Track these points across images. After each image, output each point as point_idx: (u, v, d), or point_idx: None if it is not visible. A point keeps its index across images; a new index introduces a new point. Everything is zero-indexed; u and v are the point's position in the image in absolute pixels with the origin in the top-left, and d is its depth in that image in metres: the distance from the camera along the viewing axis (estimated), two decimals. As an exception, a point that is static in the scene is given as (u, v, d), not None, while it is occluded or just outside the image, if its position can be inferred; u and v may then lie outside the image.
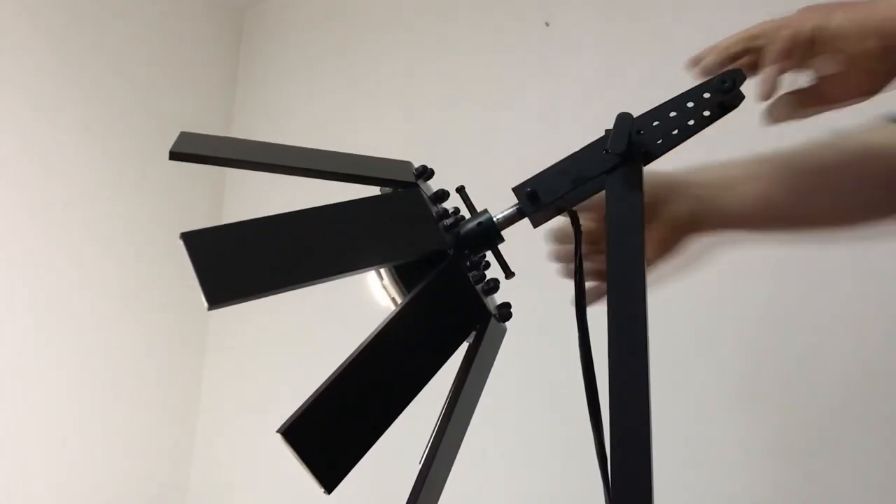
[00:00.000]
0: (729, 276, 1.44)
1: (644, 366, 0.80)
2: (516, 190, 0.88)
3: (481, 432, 1.02)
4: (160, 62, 2.25)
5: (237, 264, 0.70)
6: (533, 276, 1.10)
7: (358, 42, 2.06)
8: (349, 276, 0.76)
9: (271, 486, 1.84)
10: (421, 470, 0.81)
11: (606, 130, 0.88)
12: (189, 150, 0.79)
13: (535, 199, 0.88)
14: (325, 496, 1.06)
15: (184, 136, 0.81)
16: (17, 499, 1.72)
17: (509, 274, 0.88)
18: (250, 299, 0.71)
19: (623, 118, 0.86)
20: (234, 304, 0.70)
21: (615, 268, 0.83)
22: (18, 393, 1.79)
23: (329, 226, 0.76)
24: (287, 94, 2.21)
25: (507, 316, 0.88)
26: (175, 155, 0.79)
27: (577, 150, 0.89)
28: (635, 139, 0.85)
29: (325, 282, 0.74)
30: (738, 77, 0.86)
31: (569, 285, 0.90)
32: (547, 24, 1.59)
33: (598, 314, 0.84)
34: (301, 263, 0.73)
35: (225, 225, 0.73)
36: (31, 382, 1.81)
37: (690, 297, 1.46)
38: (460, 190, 0.92)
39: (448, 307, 0.80)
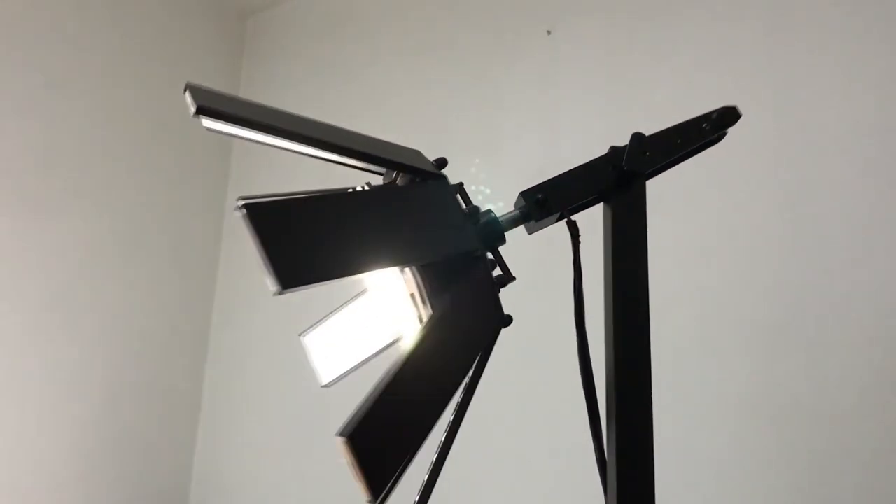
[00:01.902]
0: (732, 280, 1.46)
1: (647, 371, 0.82)
2: (526, 195, 0.87)
3: (484, 436, 0.99)
4: (163, 70, 2.23)
5: (304, 245, 0.63)
6: (532, 280, 1.08)
7: (360, 50, 2.02)
8: (403, 267, 0.71)
9: (272, 488, 1.69)
10: (430, 474, 0.77)
11: (612, 147, 0.90)
12: (215, 106, 0.69)
13: (544, 207, 0.87)
14: (325, 497, 0.98)
15: (201, 92, 0.71)
16: (17, 498, 1.72)
17: (509, 277, 0.87)
18: (317, 285, 0.63)
19: (639, 138, 0.88)
20: (302, 289, 0.62)
21: (619, 281, 0.85)
22: (20, 393, 1.77)
23: (384, 215, 0.70)
24: (290, 101, 2.09)
25: (510, 320, 0.87)
26: (202, 110, 0.68)
27: (584, 162, 0.90)
28: (645, 159, 0.88)
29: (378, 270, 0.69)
30: (729, 112, 0.92)
31: (565, 290, 0.91)
32: (549, 33, 1.58)
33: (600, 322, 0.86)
34: (364, 252, 0.66)
35: (286, 199, 0.65)
36: (33, 383, 1.80)
37: (694, 301, 1.48)
38: (459, 187, 0.89)
39: (483, 308, 0.78)
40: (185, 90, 0.74)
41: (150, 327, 2.07)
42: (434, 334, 0.71)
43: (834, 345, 1.34)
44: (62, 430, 1.84)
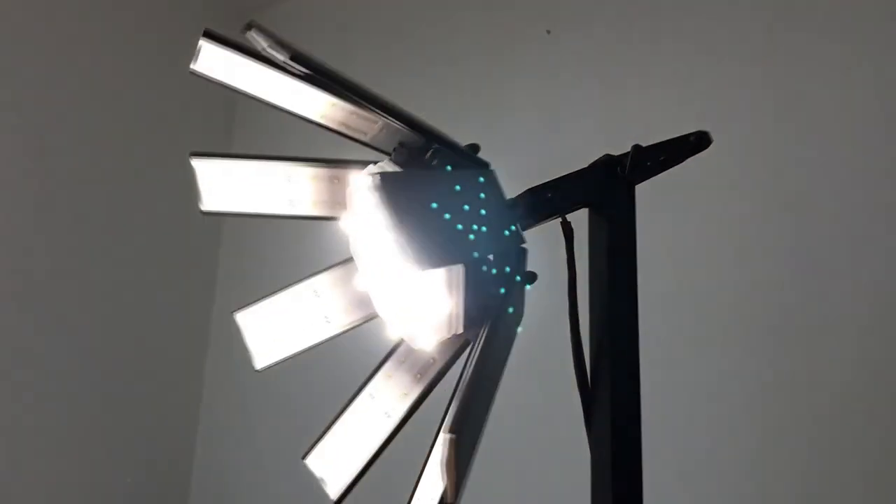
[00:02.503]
0: (732, 278, 1.45)
1: (635, 369, 0.85)
2: (536, 192, 0.87)
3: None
4: (161, 68, 2.16)
5: (434, 226, 0.58)
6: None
7: (360, 50, 1.89)
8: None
9: (272, 488, 1.51)
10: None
11: (607, 155, 0.93)
12: (310, 58, 0.61)
13: (549, 206, 0.87)
14: (326, 497, 0.89)
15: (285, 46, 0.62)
16: (16, 499, 1.71)
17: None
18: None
19: (639, 150, 0.91)
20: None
21: (614, 285, 0.88)
22: (18, 393, 1.74)
23: (476, 201, 0.66)
24: None
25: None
26: (297, 58, 0.61)
27: (582, 167, 0.91)
28: (642, 170, 0.92)
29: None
30: (704, 136, 0.98)
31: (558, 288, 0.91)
32: (548, 32, 1.51)
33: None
34: (471, 238, 0.63)
35: (411, 174, 0.59)
36: (31, 383, 1.77)
37: (693, 300, 1.47)
38: None
39: (519, 305, 0.76)
40: (248, 28, 0.64)
41: (149, 324, 2.03)
42: (497, 336, 0.68)
43: (835, 341, 1.35)
44: (61, 430, 1.82)
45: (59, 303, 1.87)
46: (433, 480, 0.76)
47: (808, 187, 1.41)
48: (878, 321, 1.31)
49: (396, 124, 0.70)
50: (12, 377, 1.77)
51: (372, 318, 0.94)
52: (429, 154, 0.77)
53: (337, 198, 0.92)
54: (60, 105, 1.95)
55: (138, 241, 2.06)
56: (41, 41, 1.92)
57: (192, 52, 0.77)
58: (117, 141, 2.06)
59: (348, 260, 0.95)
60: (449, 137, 0.73)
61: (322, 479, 0.91)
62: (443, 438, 0.57)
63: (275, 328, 0.98)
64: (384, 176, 0.55)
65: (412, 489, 0.80)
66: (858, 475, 1.29)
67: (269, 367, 1.00)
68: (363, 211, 0.78)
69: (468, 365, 0.62)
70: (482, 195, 0.69)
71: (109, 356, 1.94)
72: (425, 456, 0.81)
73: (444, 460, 0.58)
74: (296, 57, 0.59)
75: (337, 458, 0.90)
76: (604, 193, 0.90)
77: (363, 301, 0.94)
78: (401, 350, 0.92)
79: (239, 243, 2.22)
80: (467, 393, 0.61)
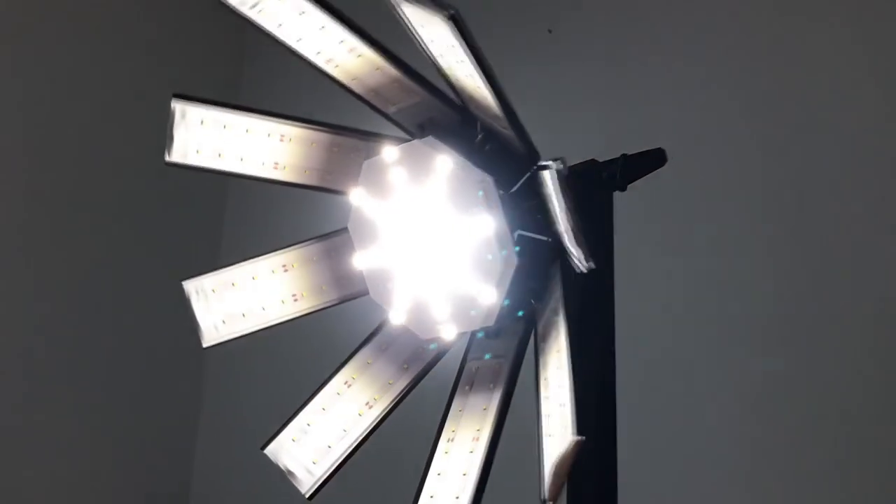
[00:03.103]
0: (739, 277, 1.39)
1: (611, 370, 0.87)
2: (543, 189, 0.87)
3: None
4: (165, 35, 2.01)
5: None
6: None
7: None
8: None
9: (273, 489, 1.18)
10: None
11: (593, 160, 0.95)
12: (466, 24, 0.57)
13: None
14: (326, 497, 0.80)
15: None
16: (18, 500, 1.69)
17: None
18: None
19: (628, 159, 0.95)
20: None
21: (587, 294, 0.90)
22: (17, 394, 1.68)
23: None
24: (290, 88, 1.61)
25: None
26: (456, 18, 0.57)
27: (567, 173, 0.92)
28: (630, 178, 0.96)
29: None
30: (663, 154, 1.04)
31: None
32: (550, 31, 1.38)
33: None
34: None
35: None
36: (30, 384, 1.71)
37: (700, 299, 1.40)
38: None
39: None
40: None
41: (149, 323, 1.92)
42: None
43: (842, 340, 1.32)
44: (61, 431, 1.78)
45: (56, 295, 1.78)
46: (451, 475, 0.74)
47: (808, 187, 1.40)
48: (879, 322, 1.29)
49: (494, 108, 0.66)
50: (9, 373, 1.71)
51: (349, 299, 0.89)
52: (479, 138, 0.75)
53: (331, 167, 0.86)
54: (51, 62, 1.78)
55: (135, 225, 1.92)
56: None
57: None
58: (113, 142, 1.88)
59: (328, 236, 0.89)
60: (527, 135, 0.71)
61: (289, 472, 0.83)
62: (572, 441, 0.56)
63: (232, 302, 0.88)
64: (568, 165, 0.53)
65: (419, 485, 0.76)
66: (859, 477, 1.27)
67: (220, 345, 0.90)
68: (405, 189, 0.74)
69: (583, 366, 0.61)
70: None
71: (107, 353, 1.85)
72: (429, 450, 0.78)
73: (564, 462, 0.56)
74: (455, 17, 0.54)
75: (308, 449, 0.83)
76: (586, 198, 0.92)
77: (342, 280, 0.88)
78: (382, 336, 0.87)
79: (239, 238, 1.99)
80: (576, 399, 0.60)
